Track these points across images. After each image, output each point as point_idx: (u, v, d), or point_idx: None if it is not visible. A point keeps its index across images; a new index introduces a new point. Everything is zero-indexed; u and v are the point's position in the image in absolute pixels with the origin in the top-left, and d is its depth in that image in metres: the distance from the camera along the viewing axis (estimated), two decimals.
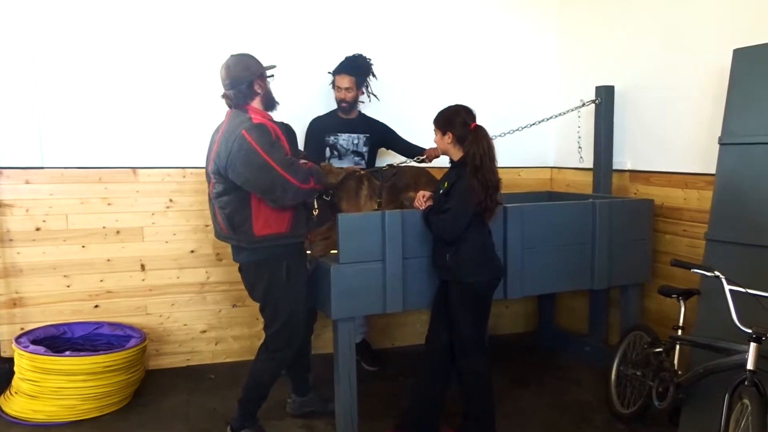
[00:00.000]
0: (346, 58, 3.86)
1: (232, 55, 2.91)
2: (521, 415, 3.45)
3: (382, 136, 4.03)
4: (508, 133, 3.93)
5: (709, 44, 3.52)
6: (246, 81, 2.85)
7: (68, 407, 3.31)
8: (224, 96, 2.92)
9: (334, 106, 4.00)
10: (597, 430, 3.28)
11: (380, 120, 4.08)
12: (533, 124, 4.10)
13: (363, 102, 4.08)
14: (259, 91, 2.90)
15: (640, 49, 4.01)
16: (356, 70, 3.84)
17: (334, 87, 3.91)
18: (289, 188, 2.76)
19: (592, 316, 4.33)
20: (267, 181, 2.74)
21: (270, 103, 2.98)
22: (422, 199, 3.12)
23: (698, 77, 3.59)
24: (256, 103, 2.91)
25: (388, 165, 3.55)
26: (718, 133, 3.25)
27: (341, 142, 3.92)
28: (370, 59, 3.92)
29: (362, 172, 3.46)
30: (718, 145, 3.24)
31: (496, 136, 3.07)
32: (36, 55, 3.72)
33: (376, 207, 3.42)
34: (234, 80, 2.84)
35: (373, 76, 3.95)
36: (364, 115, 4.05)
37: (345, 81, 3.83)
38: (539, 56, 4.80)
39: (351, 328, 3.13)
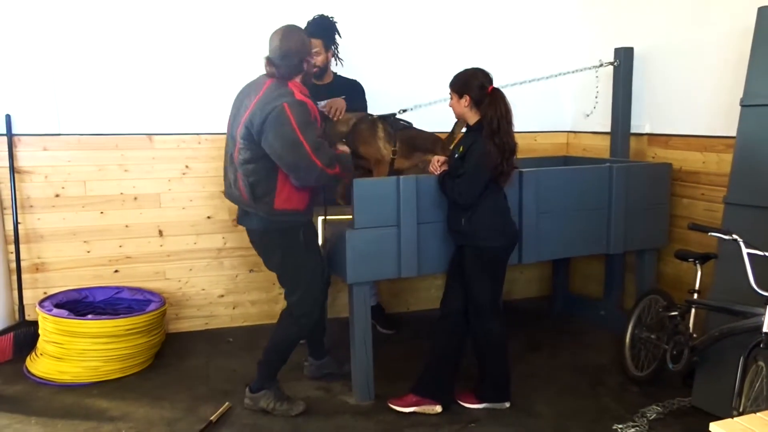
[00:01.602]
0: (308, 23, 3.63)
1: (287, 26, 2.88)
2: (536, 377, 3.49)
3: (355, 96, 3.85)
4: (518, 84, 3.84)
5: (732, 2, 3.42)
6: (299, 56, 2.86)
7: (92, 368, 3.40)
8: (269, 64, 2.85)
9: None
10: (611, 393, 3.31)
11: (369, 77, 3.94)
12: (548, 78, 4.02)
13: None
14: (305, 68, 2.91)
15: (661, 9, 3.91)
16: (322, 31, 3.65)
17: None
18: (313, 170, 2.77)
19: (607, 281, 4.33)
20: (294, 158, 2.75)
21: (307, 82, 2.97)
22: (437, 163, 3.11)
23: (720, 37, 3.51)
24: (299, 79, 2.90)
25: (400, 110, 3.49)
26: (740, 95, 3.19)
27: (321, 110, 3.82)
28: (332, 17, 3.72)
29: (373, 116, 3.42)
30: (739, 107, 3.18)
31: (506, 86, 3.01)
32: (51, 22, 3.71)
33: (392, 154, 3.37)
34: (288, 52, 2.82)
35: (338, 35, 3.76)
36: (339, 76, 3.89)
37: (313, 44, 3.54)
38: (557, 17, 4.70)
39: (366, 292, 3.16)
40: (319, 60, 3.66)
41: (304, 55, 2.89)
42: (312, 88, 3.65)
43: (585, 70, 4.16)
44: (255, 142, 2.79)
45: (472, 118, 2.97)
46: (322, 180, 2.86)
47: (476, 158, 2.86)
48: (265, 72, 2.90)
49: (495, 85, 2.94)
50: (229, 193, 3.05)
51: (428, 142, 3.49)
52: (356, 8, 4.13)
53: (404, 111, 3.53)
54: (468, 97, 2.93)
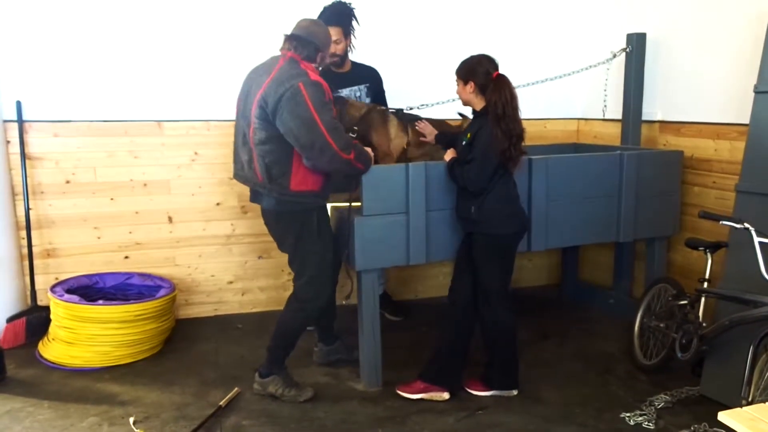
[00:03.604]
0: (326, 8, 3.56)
1: (321, 21, 3.01)
2: (544, 365, 3.50)
3: (377, 83, 3.87)
4: (532, 84, 3.83)
5: None
6: (317, 46, 2.91)
7: (103, 353, 3.44)
8: (289, 39, 2.89)
9: None
10: (619, 381, 3.30)
11: (376, 67, 3.90)
12: (559, 77, 4.00)
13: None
14: (317, 61, 2.96)
15: None
16: (341, 18, 3.59)
17: None
18: (326, 150, 2.75)
19: (616, 269, 4.31)
20: (308, 137, 2.74)
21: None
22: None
23: (734, 22, 3.45)
24: (309, 66, 2.91)
25: (408, 107, 3.48)
26: (754, 81, 3.14)
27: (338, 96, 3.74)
28: (350, 3, 3.64)
29: (384, 109, 3.41)
30: (753, 94, 3.14)
31: (520, 86, 3.01)
32: (61, 9, 3.72)
33: (405, 145, 3.38)
34: (311, 36, 2.89)
35: (356, 21, 3.68)
36: (357, 63, 3.86)
37: (332, 33, 3.48)
38: (570, 2, 4.63)
39: (375, 279, 3.16)
40: (339, 48, 3.62)
41: (323, 48, 2.94)
42: (331, 76, 3.65)
43: (599, 65, 4.11)
44: (270, 121, 2.79)
45: (478, 104, 2.96)
46: (335, 163, 2.82)
47: (484, 144, 2.85)
48: (279, 52, 2.91)
49: (512, 78, 2.91)
50: (240, 175, 3.04)
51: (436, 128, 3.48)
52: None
53: (411, 108, 3.52)
54: (473, 84, 2.91)
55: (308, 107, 2.71)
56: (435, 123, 3.53)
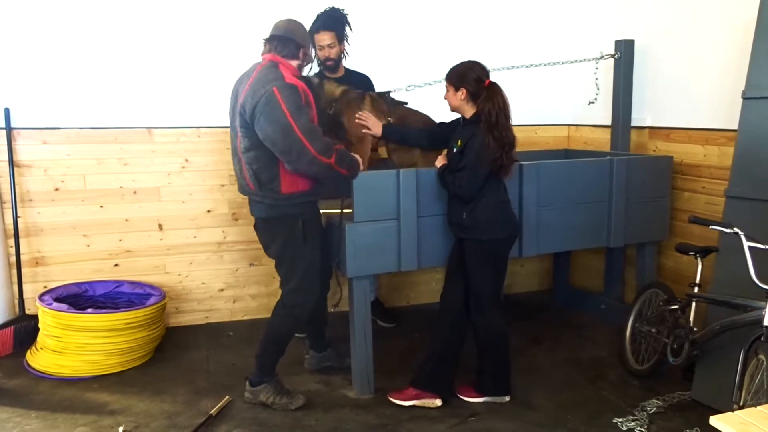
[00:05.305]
0: (319, 15, 3.63)
1: (296, 20, 3.00)
2: (536, 371, 3.49)
3: (369, 90, 3.86)
4: (519, 67, 3.84)
5: None
6: (296, 42, 2.91)
7: (92, 362, 3.40)
8: (268, 40, 2.92)
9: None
10: (611, 386, 3.31)
11: (367, 73, 3.94)
12: (546, 65, 4.03)
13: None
14: (300, 58, 2.96)
15: (662, 1, 3.89)
16: (335, 23, 3.64)
17: (314, 47, 3.70)
18: (304, 155, 2.74)
19: (607, 274, 4.33)
20: (285, 142, 2.73)
21: (299, 73, 3.00)
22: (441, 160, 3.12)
23: (722, 29, 3.49)
24: (294, 65, 2.93)
25: (395, 89, 3.48)
26: (742, 87, 3.17)
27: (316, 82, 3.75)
28: (344, 9, 3.70)
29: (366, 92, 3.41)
30: (741, 100, 3.16)
31: (505, 68, 2.97)
32: (50, 15, 3.70)
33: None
34: (290, 34, 2.90)
35: (349, 27, 3.73)
36: (350, 70, 3.89)
37: (326, 37, 3.62)
38: (558, 9, 4.67)
39: (366, 286, 3.16)
40: (332, 52, 3.67)
41: (304, 44, 2.95)
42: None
43: (585, 61, 4.13)
44: (251, 128, 2.79)
45: (469, 111, 2.96)
46: (314, 167, 2.80)
47: (475, 152, 2.85)
48: (260, 58, 2.92)
49: (495, 71, 2.92)
50: (239, 185, 3.05)
51: (420, 122, 3.45)
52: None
53: (396, 91, 3.52)
54: (464, 90, 2.92)
55: (283, 112, 2.70)
56: (420, 116, 3.51)
